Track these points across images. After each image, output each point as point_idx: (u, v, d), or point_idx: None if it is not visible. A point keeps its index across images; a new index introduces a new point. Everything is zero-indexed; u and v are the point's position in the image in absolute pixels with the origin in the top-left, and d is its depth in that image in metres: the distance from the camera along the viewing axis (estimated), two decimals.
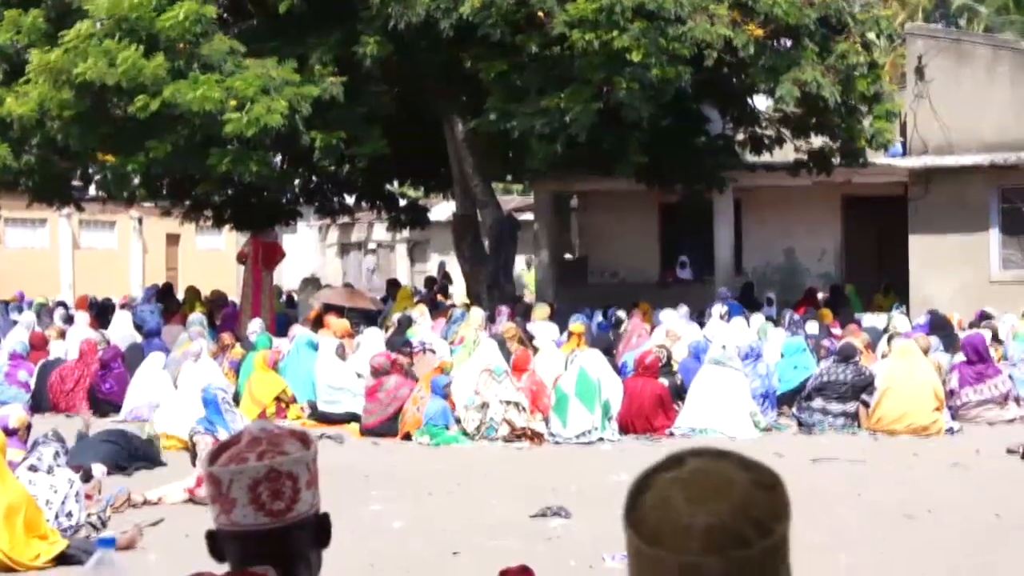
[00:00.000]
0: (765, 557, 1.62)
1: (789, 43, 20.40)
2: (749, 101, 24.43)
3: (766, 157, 24.61)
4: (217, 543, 2.41)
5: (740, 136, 25.06)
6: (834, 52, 20.05)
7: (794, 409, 14.95)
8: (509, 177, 30.14)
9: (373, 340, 17.61)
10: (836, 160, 23.01)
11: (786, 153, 24.24)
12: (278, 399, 15.81)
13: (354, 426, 14.70)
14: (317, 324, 20.14)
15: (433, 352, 16.87)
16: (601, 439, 13.66)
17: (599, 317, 21.27)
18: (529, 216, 29.82)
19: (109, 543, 3.51)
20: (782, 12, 19.02)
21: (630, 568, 1.69)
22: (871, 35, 21.96)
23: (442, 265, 33.88)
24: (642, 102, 18.95)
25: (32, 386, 16.84)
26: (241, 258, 24.02)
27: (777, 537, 1.64)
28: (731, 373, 14.36)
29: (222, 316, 23.36)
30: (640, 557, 1.65)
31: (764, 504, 1.64)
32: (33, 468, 9.14)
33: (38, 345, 18.61)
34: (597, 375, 14.03)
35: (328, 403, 15.53)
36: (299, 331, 18.42)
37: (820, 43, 20.09)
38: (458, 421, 14.04)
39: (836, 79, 19.93)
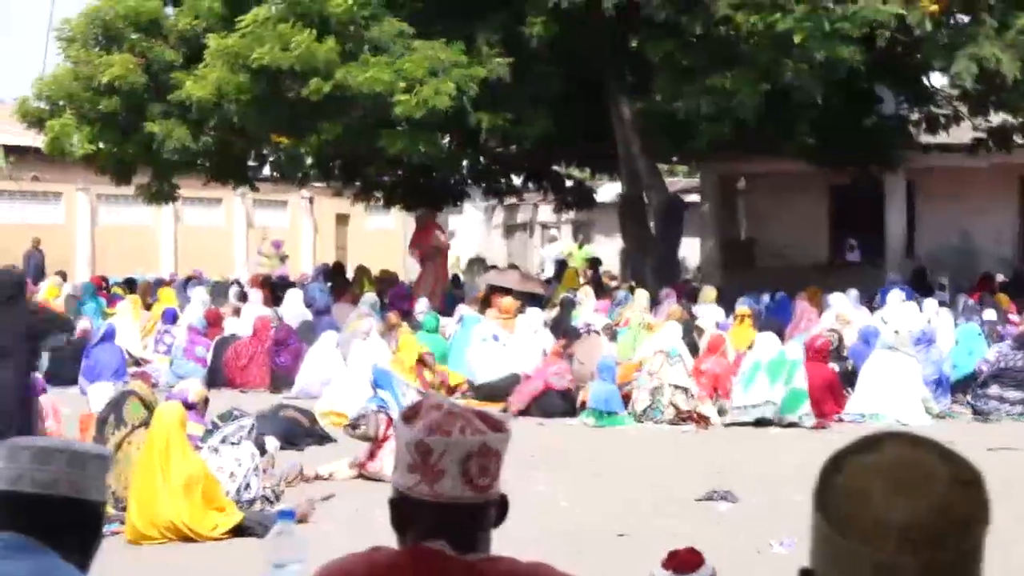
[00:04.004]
0: (962, 559, 1.58)
1: (966, 19, 19.82)
2: (924, 80, 23.83)
3: (941, 138, 23.98)
4: (402, 511, 2.46)
5: (914, 116, 24.46)
6: (1014, 27, 19.40)
7: (969, 396, 14.58)
8: (675, 158, 29.95)
9: (530, 322, 17.68)
10: (1018, 138, 22.30)
11: (961, 134, 23.57)
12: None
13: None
14: (484, 305, 20.29)
15: (598, 334, 16.86)
16: (782, 420, 13.41)
17: (766, 300, 21.01)
18: (695, 198, 29.57)
19: (289, 515, 3.61)
20: None
21: (816, 552, 1.65)
22: None
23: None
24: (811, 83, 18.63)
25: (208, 361, 17.34)
26: (419, 244, 23.99)
27: (975, 539, 1.59)
28: (903, 358, 14.06)
29: (390, 295, 23.68)
30: (830, 545, 1.61)
31: (965, 504, 1.59)
32: (224, 439, 9.42)
33: (214, 322, 19.16)
34: (796, 358, 13.82)
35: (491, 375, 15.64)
36: (465, 311, 18.60)
37: (999, 18, 19.46)
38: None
39: (1017, 55, 19.29)
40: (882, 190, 24.94)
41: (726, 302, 19.66)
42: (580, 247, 35.57)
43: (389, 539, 2.50)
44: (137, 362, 17.81)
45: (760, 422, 13.47)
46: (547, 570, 2.44)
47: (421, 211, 25.74)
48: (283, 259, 32.64)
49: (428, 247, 23.46)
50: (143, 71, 22.14)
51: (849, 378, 14.49)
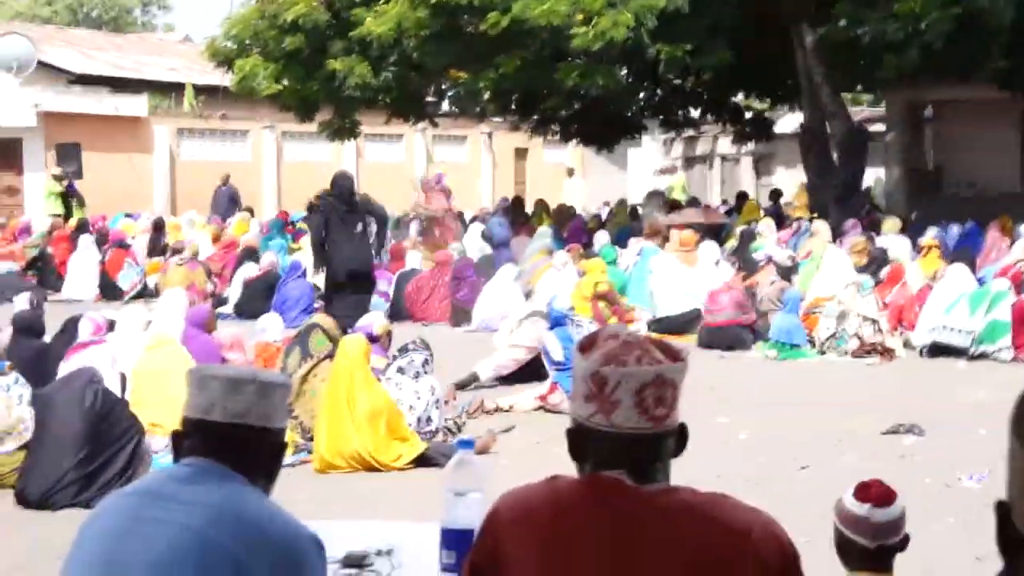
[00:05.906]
0: None
1: None
2: None
3: None
4: (579, 441, 2.47)
5: None
6: None
7: None
8: (859, 87, 29.18)
9: (707, 254, 17.45)
10: None
11: None
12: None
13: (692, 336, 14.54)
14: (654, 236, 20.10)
15: (776, 266, 16.63)
16: (984, 354, 13.02)
17: (955, 230, 20.40)
18: (880, 127, 28.80)
19: (468, 444, 3.64)
20: None
21: (1015, 484, 1.61)
22: None
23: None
24: (1005, 5, 17.90)
25: (391, 295, 17.61)
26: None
27: None
28: None
29: (569, 229, 23.69)
30: None
31: None
32: (401, 371, 9.60)
33: (396, 256, 19.44)
34: (1002, 288, 13.45)
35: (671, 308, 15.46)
36: (644, 244, 18.51)
37: None
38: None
39: None
40: None
41: (912, 233, 19.16)
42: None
43: (569, 470, 2.53)
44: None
45: (949, 351, 13.13)
46: (725, 500, 2.43)
47: (424, 176, 25.28)
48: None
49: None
50: (325, 8, 22.45)
51: None
